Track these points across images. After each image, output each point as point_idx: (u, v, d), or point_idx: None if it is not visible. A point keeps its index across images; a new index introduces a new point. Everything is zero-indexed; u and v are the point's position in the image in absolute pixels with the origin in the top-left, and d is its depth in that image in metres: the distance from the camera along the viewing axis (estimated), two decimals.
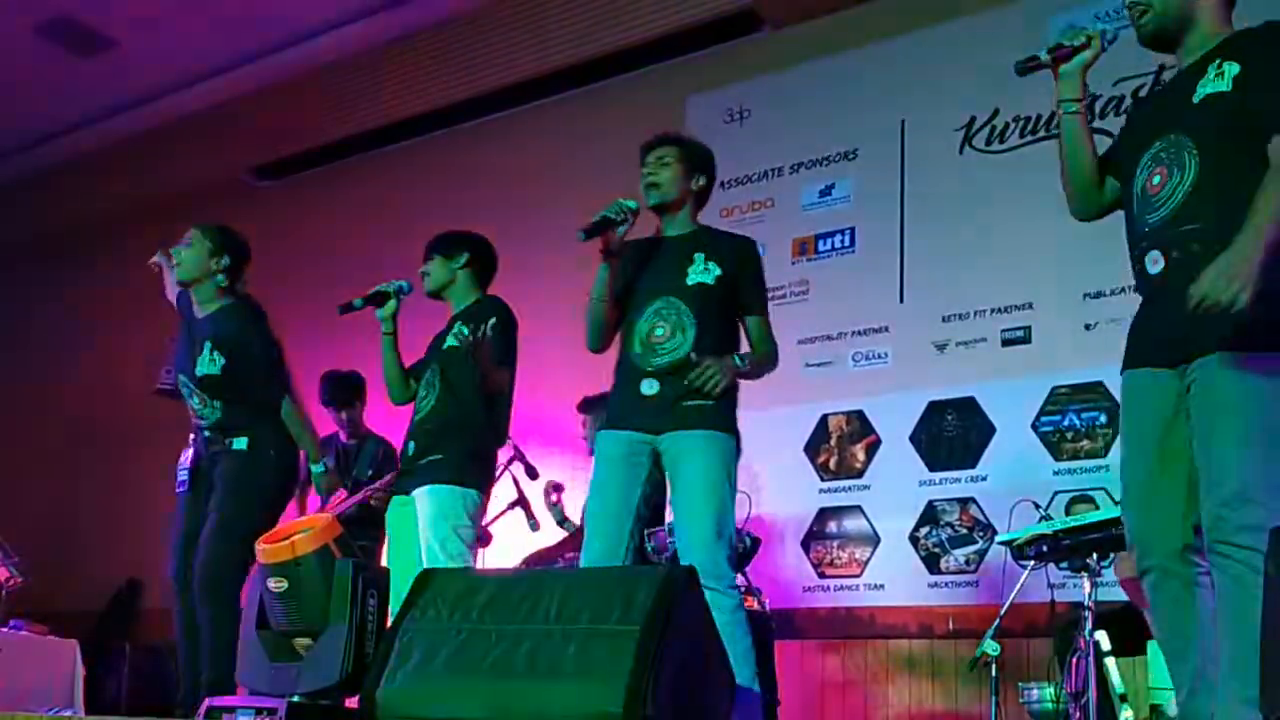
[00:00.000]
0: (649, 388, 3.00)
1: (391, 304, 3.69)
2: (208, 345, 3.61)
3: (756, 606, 4.18)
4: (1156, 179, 2.26)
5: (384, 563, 4.45)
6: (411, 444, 3.56)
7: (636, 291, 3.11)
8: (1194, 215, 2.17)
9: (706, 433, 2.96)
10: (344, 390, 5.06)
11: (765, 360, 3.15)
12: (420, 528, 3.44)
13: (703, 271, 3.06)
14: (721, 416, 3.00)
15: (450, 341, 3.59)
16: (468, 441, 3.50)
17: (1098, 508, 4.04)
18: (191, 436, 3.77)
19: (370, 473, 4.78)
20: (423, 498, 3.45)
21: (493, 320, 3.53)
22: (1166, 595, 2.21)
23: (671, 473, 2.99)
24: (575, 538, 4.43)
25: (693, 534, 2.90)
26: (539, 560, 4.44)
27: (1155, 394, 2.24)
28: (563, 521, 4.57)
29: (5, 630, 4.64)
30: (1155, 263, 2.27)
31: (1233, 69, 2.20)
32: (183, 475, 3.76)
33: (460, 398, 3.52)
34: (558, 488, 4.59)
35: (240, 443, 3.57)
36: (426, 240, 3.76)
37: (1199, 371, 2.14)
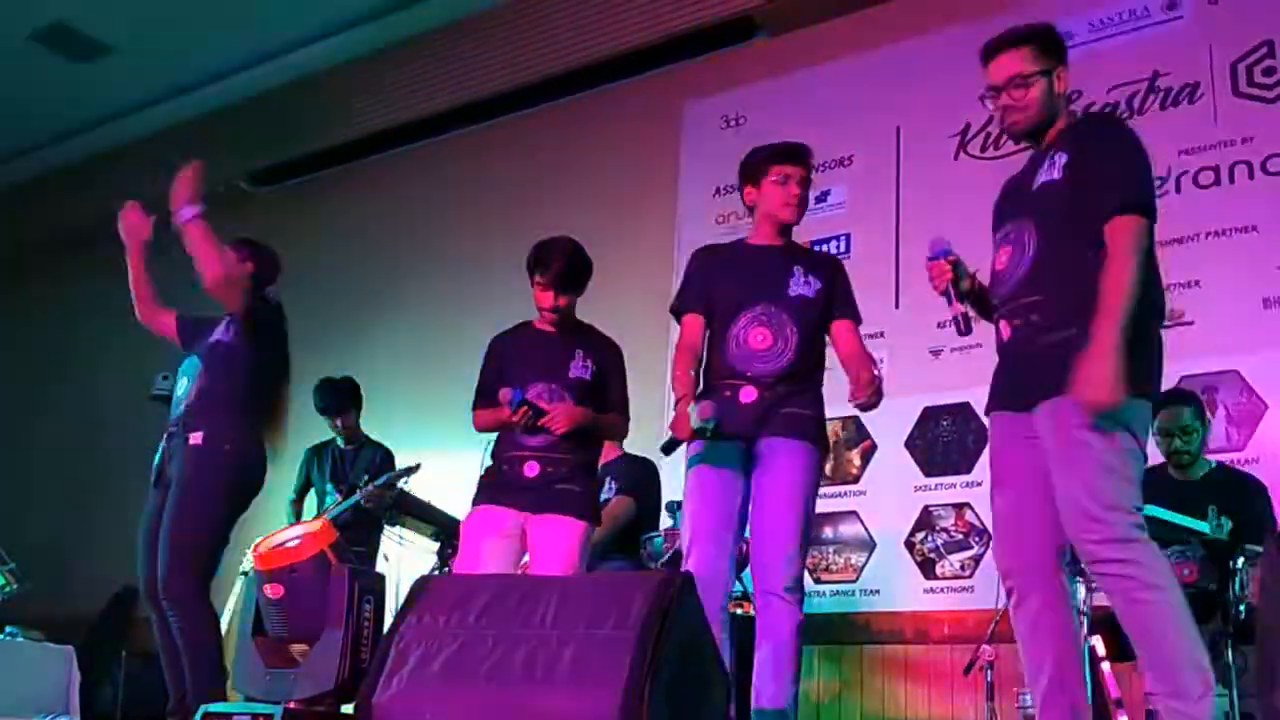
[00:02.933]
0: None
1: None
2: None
3: (752, 612, 4.19)
4: (1005, 258, 2.57)
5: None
6: None
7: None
8: (1032, 290, 2.46)
9: (798, 442, 2.97)
10: (339, 397, 5.07)
11: None
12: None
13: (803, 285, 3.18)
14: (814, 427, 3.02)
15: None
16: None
17: None
18: (164, 435, 3.70)
19: (366, 478, 4.78)
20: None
21: None
22: None
23: (759, 478, 2.98)
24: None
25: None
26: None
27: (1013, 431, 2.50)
28: None
29: (0, 637, 4.63)
30: (1004, 330, 2.57)
31: (1062, 159, 2.45)
32: (151, 473, 3.67)
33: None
34: None
35: (196, 438, 3.49)
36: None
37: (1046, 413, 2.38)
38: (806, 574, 4.78)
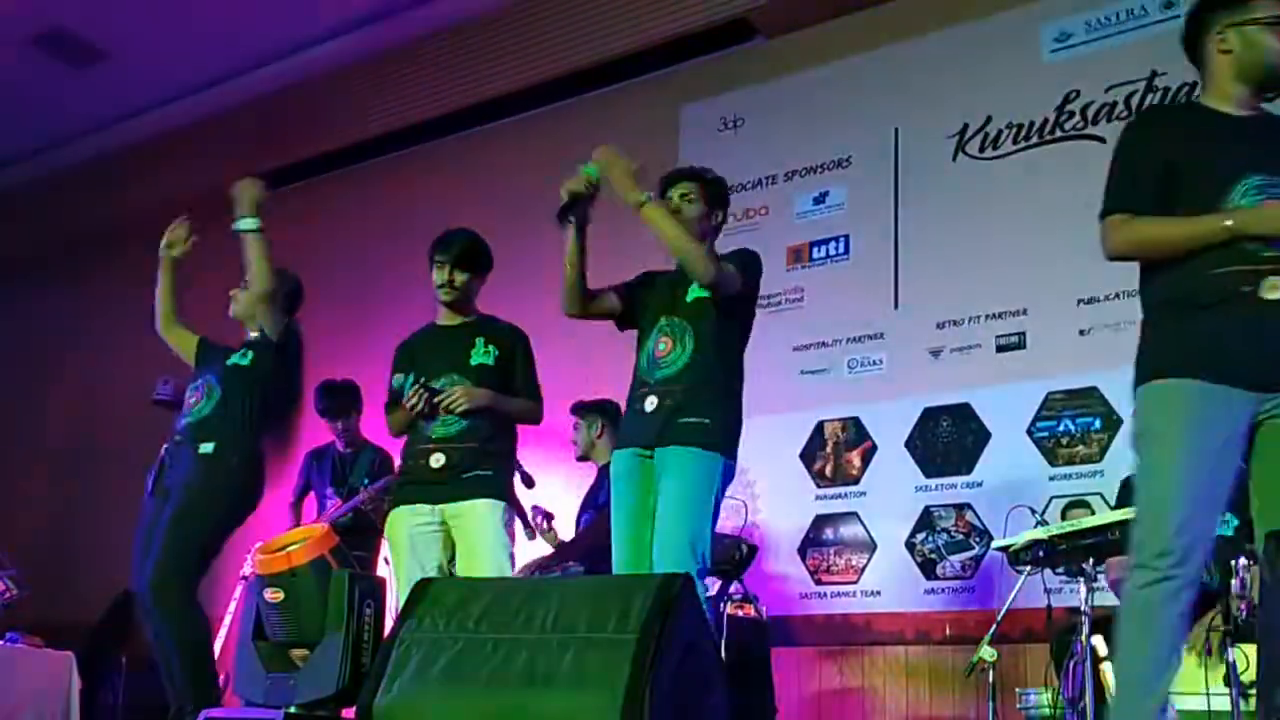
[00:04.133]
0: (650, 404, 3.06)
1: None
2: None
3: (754, 614, 4.18)
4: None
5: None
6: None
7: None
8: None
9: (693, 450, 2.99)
10: (340, 400, 5.07)
11: None
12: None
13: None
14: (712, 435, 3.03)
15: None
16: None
17: (1093, 513, 4.05)
18: (164, 445, 3.77)
19: (366, 481, 4.78)
20: None
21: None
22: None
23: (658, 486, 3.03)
24: (572, 546, 4.43)
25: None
26: (537, 569, 4.43)
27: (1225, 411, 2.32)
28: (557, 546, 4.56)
29: (1, 643, 4.62)
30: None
31: None
32: (148, 481, 3.74)
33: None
34: (548, 516, 4.58)
35: (207, 447, 3.60)
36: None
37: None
38: (807, 574, 4.84)
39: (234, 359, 3.74)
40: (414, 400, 3.31)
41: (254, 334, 3.81)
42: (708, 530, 2.97)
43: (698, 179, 3.25)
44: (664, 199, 3.21)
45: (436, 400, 3.30)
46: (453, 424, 3.34)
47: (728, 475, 3.04)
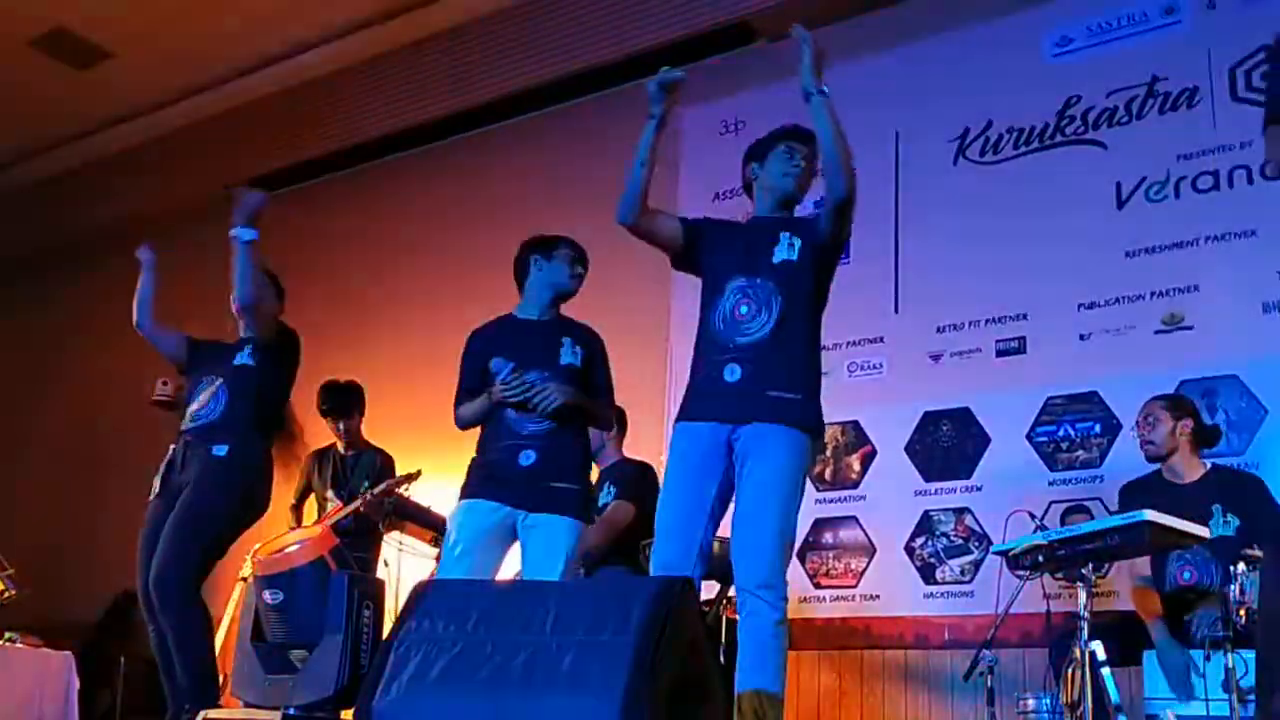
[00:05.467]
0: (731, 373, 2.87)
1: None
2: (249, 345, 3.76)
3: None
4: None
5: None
6: None
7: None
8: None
9: (785, 428, 2.81)
10: (343, 399, 5.05)
11: None
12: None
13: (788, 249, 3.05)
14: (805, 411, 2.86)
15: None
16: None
17: (1093, 518, 4.05)
18: (171, 446, 3.77)
19: (366, 484, 4.77)
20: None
21: None
22: None
23: (740, 468, 2.84)
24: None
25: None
26: None
27: None
28: None
29: None
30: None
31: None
32: (154, 481, 3.74)
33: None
34: None
35: (220, 450, 3.60)
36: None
37: None
38: (806, 578, 4.84)
39: (240, 359, 3.75)
40: (512, 389, 3.15)
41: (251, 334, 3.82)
42: (796, 520, 2.84)
43: (811, 141, 3.20)
44: (782, 150, 3.19)
45: (532, 393, 3.14)
46: (542, 423, 3.20)
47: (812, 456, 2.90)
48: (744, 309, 2.94)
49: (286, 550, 3.18)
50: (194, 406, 3.75)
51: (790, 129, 3.20)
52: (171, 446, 3.75)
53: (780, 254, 3.03)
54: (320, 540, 3.21)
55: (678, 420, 2.94)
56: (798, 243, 3.05)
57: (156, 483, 3.70)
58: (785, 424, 2.81)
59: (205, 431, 3.66)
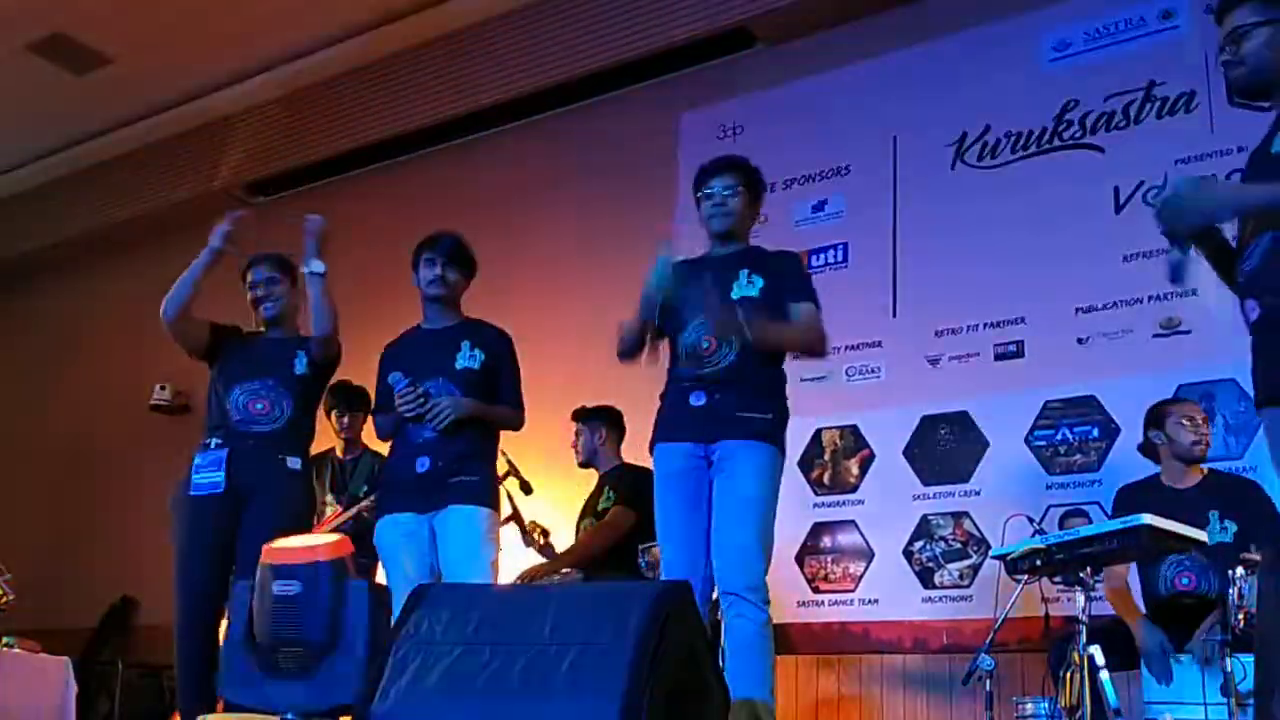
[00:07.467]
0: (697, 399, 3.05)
1: None
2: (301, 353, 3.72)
3: None
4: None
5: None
6: None
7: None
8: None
9: (752, 442, 2.99)
10: (349, 395, 5.00)
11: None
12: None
13: (747, 285, 3.12)
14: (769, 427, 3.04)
15: None
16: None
17: (1091, 522, 4.05)
18: (217, 442, 3.61)
19: (365, 488, 4.77)
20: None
21: None
22: None
23: (717, 479, 3.02)
24: (569, 554, 4.43)
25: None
26: (534, 576, 4.43)
27: None
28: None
29: None
30: None
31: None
32: (216, 476, 3.55)
33: None
34: (544, 533, 4.56)
35: (295, 463, 3.62)
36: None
37: None
38: (804, 582, 4.84)
39: (299, 368, 3.71)
40: (406, 403, 3.30)
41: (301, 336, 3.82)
42: (773, 527, 2.98)
43: (740, 169, 3.20)
44: (705, 193, 3.19)
45: (424, 410, 3.30)
46: (435, 429, 3.35)
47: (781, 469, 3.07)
48: (705, 343, 3.09)
49: (307, 544, 3.11)
50: (248, 404, 3.62)
51: (697, 176, 3.27)
52: (222, 444, 3.58)
53: (739, 290, 3.12)
54: (341, 543, 3.16)
55: (654, 443, 3.14)
56: (758, 280, 3.14)
57: (220, 479, 3.52)
58: (756, 439, 3.00)
59: (274, 439, 3.60)
